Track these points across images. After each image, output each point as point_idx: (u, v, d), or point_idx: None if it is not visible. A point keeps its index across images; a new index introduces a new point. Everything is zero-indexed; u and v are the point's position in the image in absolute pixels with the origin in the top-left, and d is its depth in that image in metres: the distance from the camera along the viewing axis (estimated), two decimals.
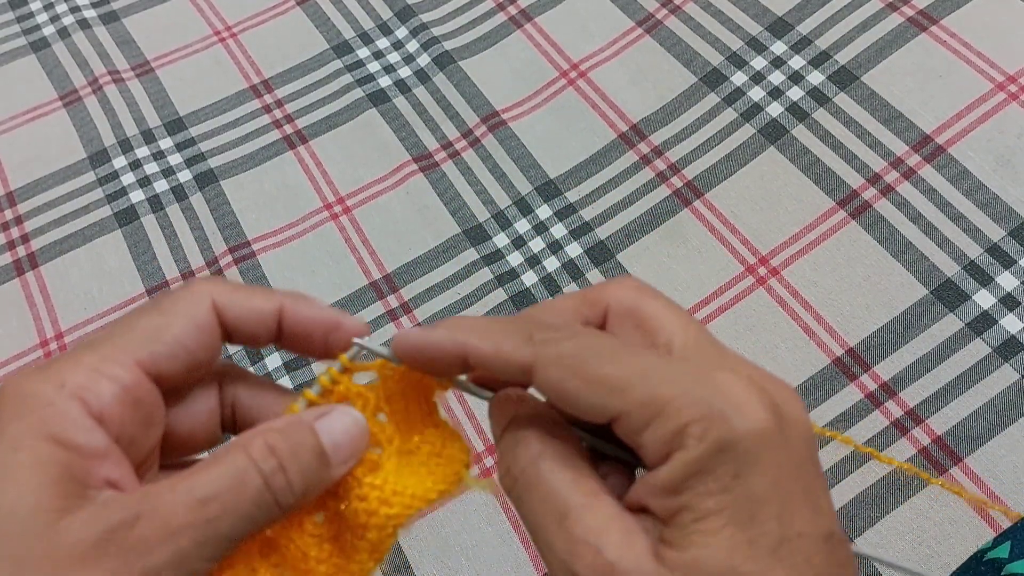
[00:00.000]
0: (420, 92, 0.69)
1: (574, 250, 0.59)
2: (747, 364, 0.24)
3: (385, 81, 0.70)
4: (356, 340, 0.27)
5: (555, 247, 0.59)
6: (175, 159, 0.67)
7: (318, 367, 0.56)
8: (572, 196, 0.61)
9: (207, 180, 0.65)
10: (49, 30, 0.75)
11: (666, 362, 0.23)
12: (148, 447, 0.25)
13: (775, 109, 0.61)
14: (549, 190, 0.62)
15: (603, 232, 0.59)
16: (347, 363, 0.27)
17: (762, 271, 0.56)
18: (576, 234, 0.60)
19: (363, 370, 0.27)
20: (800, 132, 0.60)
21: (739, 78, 0.63)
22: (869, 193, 0.57)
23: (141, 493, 0.22)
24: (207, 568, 0.22)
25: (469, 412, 0.53)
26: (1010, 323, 0.51)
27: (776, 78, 0.63)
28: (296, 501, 0.24)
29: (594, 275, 0.58)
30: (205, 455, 0.25)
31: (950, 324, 0.52)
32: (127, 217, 0.64)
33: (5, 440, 0.22)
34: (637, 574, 0.21)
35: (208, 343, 0.25)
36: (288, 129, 0.68)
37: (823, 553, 0.22)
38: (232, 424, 0.28)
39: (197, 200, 0.64)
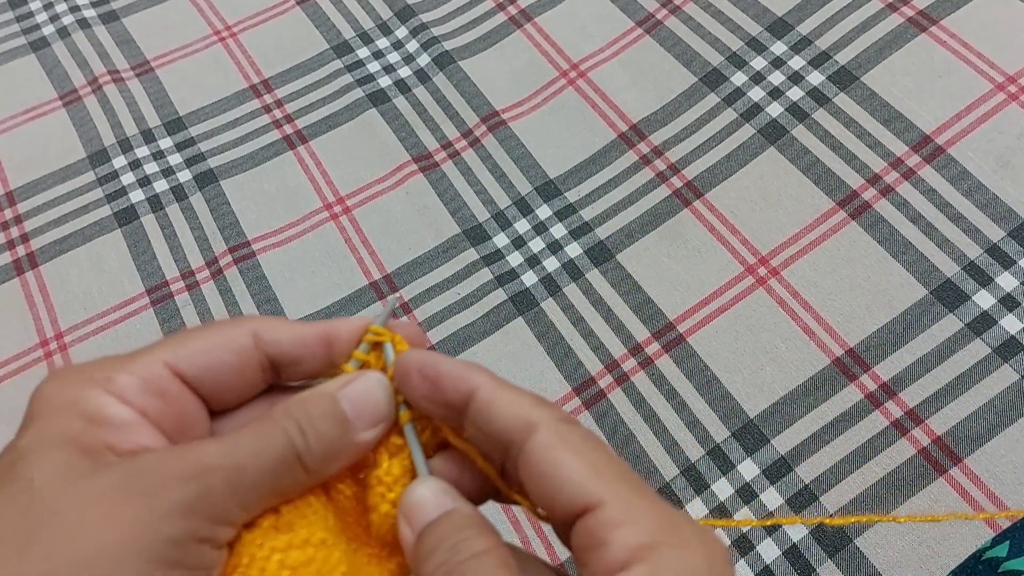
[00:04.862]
0: (420, 92, 0.69)
1: (574, 250, 0.59)
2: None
3: (385, 81, 0.70)
4: (390, 297, 0.28)
5: (555, 247, 0.59)
6: (175, 159, 0.67)
7: None
8: (572, 196, 0.61)
9: (207, 180, 0.65)
10: (49, 30, 0.75)
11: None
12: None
13: (775, 109, 0.61)
14: (549, 190, 0.62)
15: (603, 232, 0.59)
16: (362, 356, 0.27)
17: (762, 271, 0.56)
18: (576, 234, 0.60)
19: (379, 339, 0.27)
20: (800, 132, 0.60)
21: (739, 78, 0.63)
22: (869, 193, 0.57)
23: (168, 447, 0.24)
24: (235, 515, 0.23)
25: None
26: (1010, 323, 0.51)
27: (776, 78, 0.63)
28: (320, 465, 0.25)
29: (594, 275, 0.58)
30: None
31: (950, 324, 0.52)
32: (127, 217, 0.64)
33: (36, 425, 0.23)
34: None
35: (240, 365, 0.26)
36: (288, 129, 0.68)
37: None
38: None
39: (197, 200, 0.64)
